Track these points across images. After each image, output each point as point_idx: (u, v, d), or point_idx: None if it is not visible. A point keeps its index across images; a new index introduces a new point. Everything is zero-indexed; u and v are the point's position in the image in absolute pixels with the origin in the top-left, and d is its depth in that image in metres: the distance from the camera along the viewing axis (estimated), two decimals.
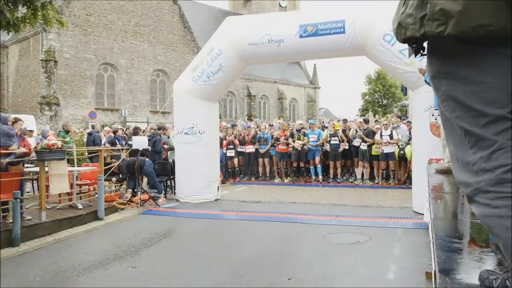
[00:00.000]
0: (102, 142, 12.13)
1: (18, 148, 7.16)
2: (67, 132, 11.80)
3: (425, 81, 6.11)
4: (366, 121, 12.78)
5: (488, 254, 1.78)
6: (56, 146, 7.17)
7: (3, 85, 31.29)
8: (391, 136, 11.50)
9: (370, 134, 11.97)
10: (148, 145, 10.10)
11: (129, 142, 10.91)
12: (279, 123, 15.45)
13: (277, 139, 13.16)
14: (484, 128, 1.15)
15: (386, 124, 12.19)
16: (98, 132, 13.22)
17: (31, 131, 13.08)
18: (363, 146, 11.94)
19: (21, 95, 30.01)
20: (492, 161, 1.14)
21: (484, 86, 1.14)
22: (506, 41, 1.11)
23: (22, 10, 7.70)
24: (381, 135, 11.63)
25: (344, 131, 12.77)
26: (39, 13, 7.58)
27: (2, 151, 6.82)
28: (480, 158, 1.16)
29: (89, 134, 12.69)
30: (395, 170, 11.88)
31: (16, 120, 7.74)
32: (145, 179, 10.33)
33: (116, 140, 12.11)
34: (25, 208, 7.46)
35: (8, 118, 7.45)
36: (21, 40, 29.11)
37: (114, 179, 9.78)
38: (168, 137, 12.06)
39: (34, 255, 6.03)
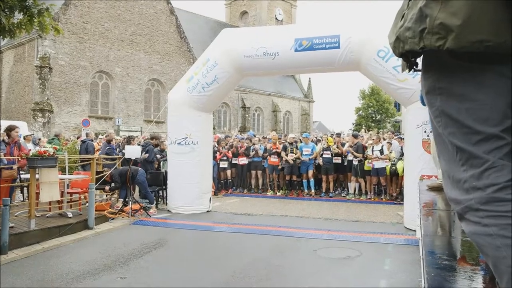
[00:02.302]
0: (99, 153, 12.03)
1: (3, 156, 7.13)
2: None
3: (420, 97, 6.14)
4: (356, 136, 12.82)
5: (478, 272, 1.78)
6: (47, 153, 7.12)
7: None
8: (381, 152, 11.55)
9: (360, 148, 12.01)
10: (141, 155, 10.05)
11: (123, 151, 10.85)
12: (271, 136, 15.46)
13: (270, 152, 13.18)
14: (476, 146, 1.15)
15: (374, 139, 12.21)
16: (92, 140, 13.14)
17: (30, 135, 13.11)
18: (355, 161, 11.98)
19: (14, 101, 29.83)
20: (483, 180, 1.14)
21: (478, 103, 1.14)
22: (503, 59, 1.12)
23: (18, 16, 7.69)
24: (372, 151, 11.68)
25: (337, 145, 12.79)
26: (35, 20, 7.57)
27: None
28: (471, 176, 1.16)
29: (83, 142, 12.61)
30: (386, 185, 11.91)
31: (11, 128, 7.68)
32: (137, 189, 10.27)
33: (111, 150, 12.01)
34: (14, 216, 7.37)
35: None
36: (16, 45, 29.01)
37: (107, 187, 9.70)
38: (162, 151, 11.94)
39: (22, 264, 5.95)
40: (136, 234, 7.93)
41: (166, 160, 11.24)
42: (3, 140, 7.75)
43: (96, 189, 8.98)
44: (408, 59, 1.33)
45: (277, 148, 13.15)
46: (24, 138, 12.38)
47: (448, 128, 1.21)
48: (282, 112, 47.81)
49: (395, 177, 11.60)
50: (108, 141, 11.83)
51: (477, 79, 1.15)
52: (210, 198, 10.37)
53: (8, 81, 30.55)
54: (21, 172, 8.66)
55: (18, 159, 7.60)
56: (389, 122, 43.74)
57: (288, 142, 13.25)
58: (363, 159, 11.86)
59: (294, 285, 5.21)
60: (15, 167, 7.59)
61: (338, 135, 13.85)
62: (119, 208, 9.33)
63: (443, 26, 1.13)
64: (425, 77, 1.29)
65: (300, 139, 13.58)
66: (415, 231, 7.03)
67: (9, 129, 7.81)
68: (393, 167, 11.40)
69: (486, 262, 1.71)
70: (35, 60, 26.97)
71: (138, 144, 10.87)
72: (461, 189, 1.19)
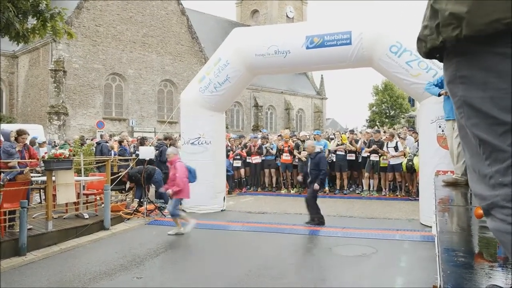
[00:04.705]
0: (113, 154, 12.15)
1: (18, 164, 7.24)
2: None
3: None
4: (379, 132, 12.70)
5: (495, 268, 1.75)
6: (63, 156, 7.21)
7: (12, 95, 31.64)
8: (396, 148, 11.43)
9: (383, 145, 11.94)
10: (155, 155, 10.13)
11: (137, 152, 10.94)
12: (283, 134, 15.44)
13: (282, 150, 13.15)
14: (501, 138, 1.09)
15: (387, 137, 12.07)
16: (106, 142, 13.27)
17: (44, 142, 13.23)
18: (374, 157, 11.85)
19: (30, 105, 30.30)
20: (509, 176, 1.08)
21: (502, 92, 1.08)
22: None
23: (31, 21, 7.79)
24: (386, 147, 11.57)
25: (351, 142, 12.71)
26: (48, 24, 7.66)
27: (2, 166, 6.90)
28: (496, 172, 1.11)
29: (97, 143, 12.74)
30: (401, 181, 11.79)
31: (20, 134, 7.73)
32: (151, 189, 10.33)
33: (124, 150, 12.12)
34: (32, 218, 7.48)
35: (10, 133, 7.45)
36: (31, 50, 29.46)
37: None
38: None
39: (40, 265, 6.04)
40: (152, 234, 7.99)
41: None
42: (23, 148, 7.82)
43: (112, 190, 9.06)
44: (435, 57, 1.30)
45: (289, 146, 13.12)
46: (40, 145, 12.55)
47: (471, 119, 1.15)
48: (295, 110, 47.69)
49: (411, 173, 11.45)
50: (120, 142, 11.93)
51: (499, 66, 1.09)
52: (224, 197, 10.39)
53: (24, 85, 31.04)
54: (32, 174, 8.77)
55: (29, 162, 7.69)
56: (403, 118, 43.33)
57: (300, 140, 13.20)
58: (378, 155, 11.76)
59: (309, 283, 5.19)
60: (26, 170, 7.66)
61: (352, 131, 13.77)
62: (134, 209, 9.42)
63: (453, 15, 1.11)
64: (445, 66, 1.24)
65: (314, 137, 13.52)
66: (431, 227, 6.96)
67: (19, 134, 7.87)
68: (410, 163, 11.26)
69: (504, 258, 1.69)
70: (49, 64, 27.37)
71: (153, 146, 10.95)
72: (487, 184, 1.15)
